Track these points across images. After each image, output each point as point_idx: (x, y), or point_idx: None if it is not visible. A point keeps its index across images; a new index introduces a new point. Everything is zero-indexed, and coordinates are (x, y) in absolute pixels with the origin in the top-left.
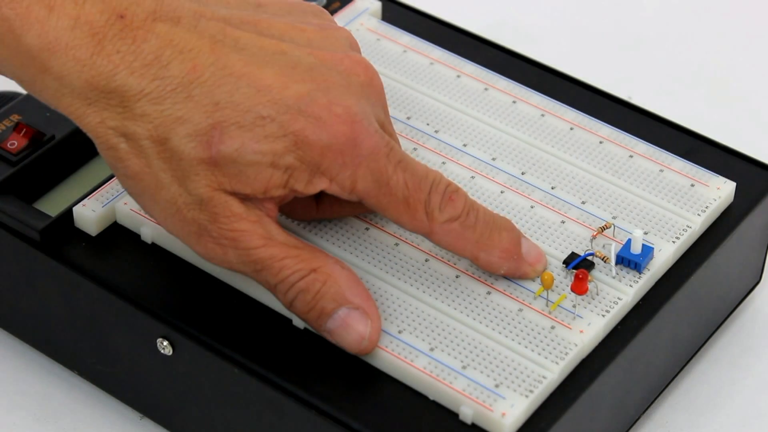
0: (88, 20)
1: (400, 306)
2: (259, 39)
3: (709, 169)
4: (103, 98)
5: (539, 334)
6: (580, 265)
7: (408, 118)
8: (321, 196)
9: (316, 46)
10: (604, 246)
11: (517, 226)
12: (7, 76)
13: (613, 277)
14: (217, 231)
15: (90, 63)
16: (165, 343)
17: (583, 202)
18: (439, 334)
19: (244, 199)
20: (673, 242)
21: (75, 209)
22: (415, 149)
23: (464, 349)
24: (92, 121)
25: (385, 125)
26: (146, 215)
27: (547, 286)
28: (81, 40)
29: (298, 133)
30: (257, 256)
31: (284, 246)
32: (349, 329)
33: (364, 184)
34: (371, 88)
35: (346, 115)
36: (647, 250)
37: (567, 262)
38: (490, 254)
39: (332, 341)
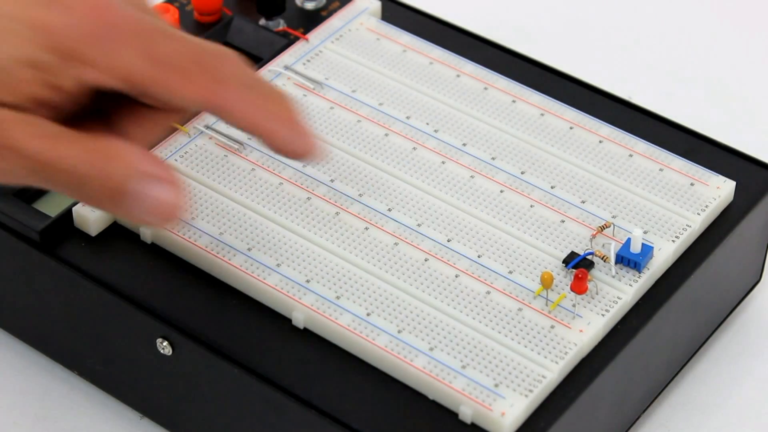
0: None
1: (399, 305)
2: None
3: (709, 168)
4: None
5: (539, 333)
6: (579, 264)
7: (408, 117)
8: (116, 115)
9: None
10: (603, 245)
11: (517, 225)
12: None
13: (613, 277)
14: None
15: None
16: (164, 343)
17: (583, 202)
18: (438, 334)
19: (12, 108)
20: (673, 241)
21: (74, 209)
22: (414, 149)
23: (464, 348)
24: None
25: (139, 4)
26: None
27: (547, 285)
28: None
29: (46, 24)
30: (40, 157)
31: (63, 139)
32: (148, 200)
33: (134, 64)
34: None
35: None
36: (647, 250)
37: (567, 262)
38: (283, 123)
39: (138, 220)
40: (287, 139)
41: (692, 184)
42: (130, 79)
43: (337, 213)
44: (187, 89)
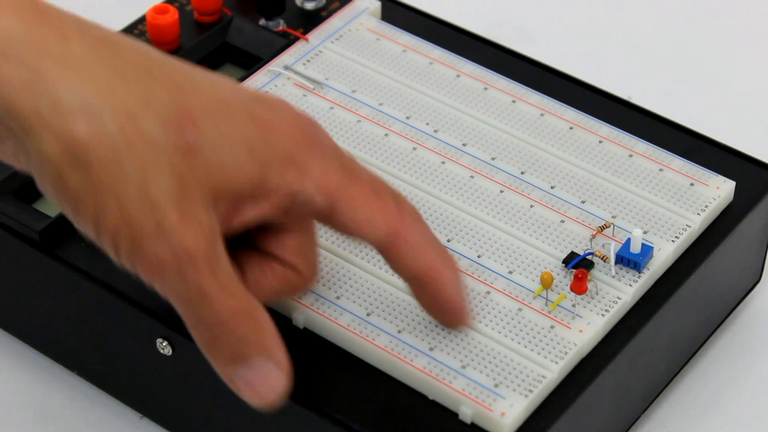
0: None
1: (399, 305)
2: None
3: (709, 169)
4: (55, 63)
5: (539, 333)
6: (579, 264)
7: (407, 117)
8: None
9: None
10: (603, 245)
11: (517, 225)
12: None
13: (613, 277)
14: (176, 238)
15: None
16: (164, 343)
17: (583, 202)
18: (438, 334)
19: (209, 200)
20: (673, 241)
21: None
22: (414, 149)
23: (464, 348)
24: (45, 92)
25: None
26: None
27: (547, 285)
28: (21, 4)
29: (268, 120)
30: (203, 282)
31: (226, 278)
32: (263, 381)
33: (334, 175)
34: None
35: (304, 115)
36: (647, 250)
37: (566, 262)
38: (449, 262)
39: (238, 390)
40: (455, 290)
41: (692, 184)
42: (326, 189)
43: None
44: (374, 210)
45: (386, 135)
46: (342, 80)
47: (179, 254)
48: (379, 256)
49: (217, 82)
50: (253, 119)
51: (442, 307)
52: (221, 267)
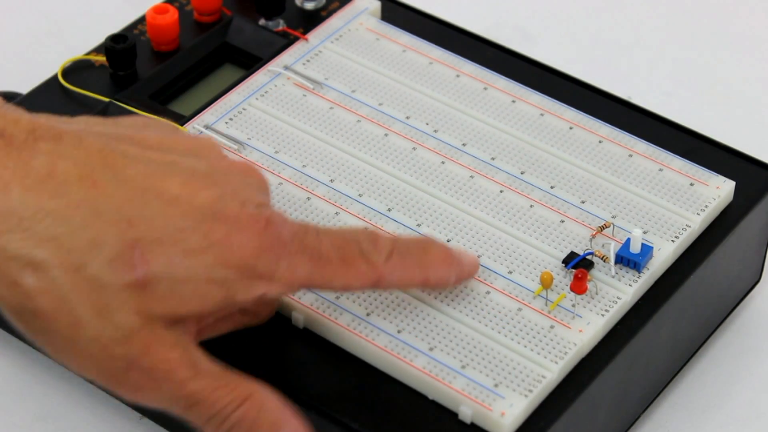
0: None
1: (399, 305)
2: (144, 151)
3: (709, 169)
4: None
5: (538, 333)
6: (579, 264)
7: (407, 117)
8: None
9: (198, 155)
10: (603, 245)
11: (517, 225)
12: None
13: (613, 277)
14: (148, 362)
15: None
16: None
17: (583, 202)
18: (438, 334)
19: (173, 322)
20: (673, 241)
21: None
22: (414, 149)
23: (463, 348)
24: None
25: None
26: None
27: (547, 285)
28: None
29: (225, 239)
30: (189, 389)
31: (213, 375)
32: None
33: (302, 268)
34: (264, 184)
35: (259, 212)
36: (646, 250)
37: (566, 262)
38: (437, 269)
39: None
40: (452, 277)
41: (692, 184)
42: (297, 283)
43: (336, 213)
44: (348, 278)
45: (386, 135)
46: (342, 80)
47: (156, 376)
48: None
49: (170, 204)
50: (209, 242)
51: (451, 287)
52: (204, 367)
